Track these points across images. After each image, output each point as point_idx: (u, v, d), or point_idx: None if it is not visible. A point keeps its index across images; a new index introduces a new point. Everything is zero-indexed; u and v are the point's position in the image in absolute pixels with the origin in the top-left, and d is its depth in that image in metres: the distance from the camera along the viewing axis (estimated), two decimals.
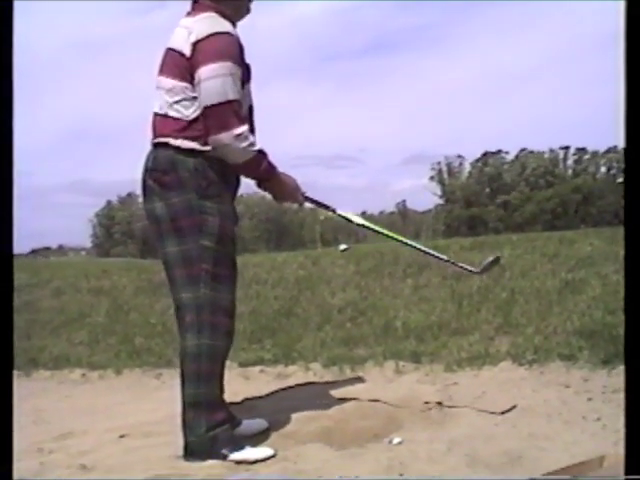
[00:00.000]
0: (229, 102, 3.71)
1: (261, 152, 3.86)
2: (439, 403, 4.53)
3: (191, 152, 3.78)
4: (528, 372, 5.18)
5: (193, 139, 3.78)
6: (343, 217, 4.44)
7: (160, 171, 3.83)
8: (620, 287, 6.65)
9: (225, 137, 3.71)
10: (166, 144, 3.82)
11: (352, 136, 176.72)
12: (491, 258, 4.55)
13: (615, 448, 3.54)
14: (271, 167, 3.96)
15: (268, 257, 11.97)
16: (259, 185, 4.10)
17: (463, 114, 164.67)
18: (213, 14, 3.82)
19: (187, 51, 3.73)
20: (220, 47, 3.72)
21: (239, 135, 3.73)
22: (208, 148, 3.78)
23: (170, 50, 3.87)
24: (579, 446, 3.65)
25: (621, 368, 4.87)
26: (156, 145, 3.90)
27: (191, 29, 3.75)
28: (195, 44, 3.70)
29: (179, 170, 3.77)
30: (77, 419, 5.01)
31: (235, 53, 3.78)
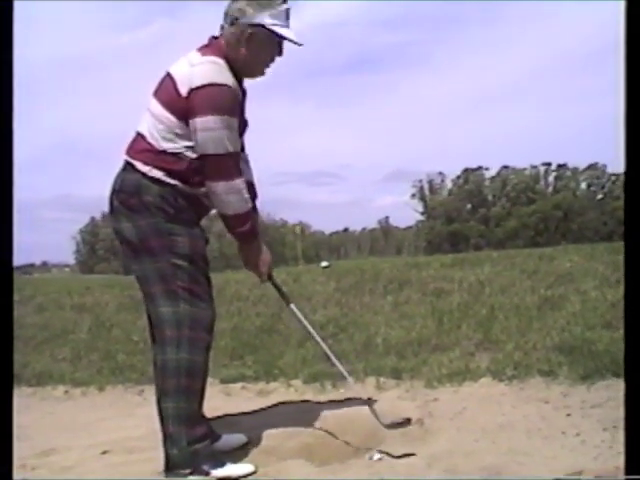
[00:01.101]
0: (229, 154, 3.78)
1: (250, 212, 3.94)
2: (419, 420, 4.55)
3: (157, 180, 3.81)
4: (508, 388, 5.20)
5: (161, 169, 3.81)
6: (293, 311, 4.41)
7: (126, 193, 3.86)
8: (599, 303, 6.70)
9: (223, 186, 3.78)
10: (136, 168, 3.85)
11: (334, 153, 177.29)
12: (400, 420, 4.44)
13: (594, 463, 3.58)
14: (254, 231, 4.02)
15: (250, 274, 11.95)
16: (240, 250, 4.18)
17: (444, 131, 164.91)
18: (220, 61, 3.83)
19: (183, 91, 3.75)
20: (216, 99, 3.74)
21: (236, 187, 3.81)
22: (176, 182, 3.82)
23: (169, 76, 3.89)
24: (558, 461, 3.68)
25: (600, 383, 4.92)
26: (126, 165, 3.93)
27: (193, 70, 3.77)
28: (192, 90, 3.72)
29: (143, 195, 3.80)
30: (60, 435, 5.01)
31: (231, 106, 3.81)
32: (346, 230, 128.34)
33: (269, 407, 5.28)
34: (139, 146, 3.90)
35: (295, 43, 3.95)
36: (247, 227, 3.94)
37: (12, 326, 2.42)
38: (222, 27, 3.98)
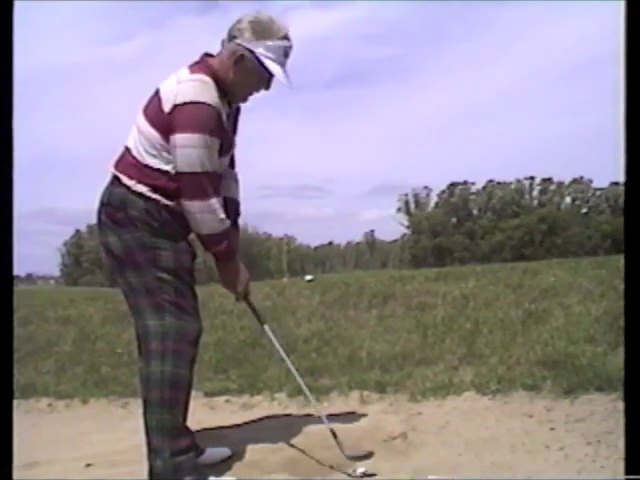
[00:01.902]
0: (206, 173, 3.75)
1: (226, 232, 3.93)
2: (403, 433, 4.55)
3: (142, 195, 3.81)
4: (492, 402, 5.21)
5: (145, 184, 3.81)
6: (266, 332, 4.44)
7: (113, 207, 3.87)
8: (583, 317, 6.74)
9: (197, 206, 3.76)
10: (122, 182, 3.86)
11: (320, 166, 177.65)
12: (363, 453, 4.30)
13: (577, 477, 3.59)
14: (230, 251, 4.03)
15: None
16: (217, 268, 4.17)
17: (430, 144, 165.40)
18: (207, 79, 3.81)
19: (167, 108, 3.74)
20: (196, 118, 3.72)
21: (211, 207, 3.79)
22: (171, 203, 3.83)
23: (157, 93, 3.89)
24: (542, 475, 3.69)
25: (584, 397, 4.94)
26: (113, 179, 3.94)
27: (179, 87, 3.77)
28: (174, 107, 3.71)
29: (129, 209, 3.81)
30: (44, 448, 4.98)
31: (211, 125, 3.77)
32: (331, 244, 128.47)
33: (253, 421, 5.28)
34: (126, 160, 3.91)
35: (284, 84, 3.93)
36: (223, 247, 3.94)
37: (12, 330, 2.41)
38: (222, 43, 3.97)
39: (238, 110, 4.18)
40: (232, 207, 4.15)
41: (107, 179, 3.98)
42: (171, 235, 3.88)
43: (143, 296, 3.85)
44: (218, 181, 3.94)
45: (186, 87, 3.75)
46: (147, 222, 3.80)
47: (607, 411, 4.57)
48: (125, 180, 3.83)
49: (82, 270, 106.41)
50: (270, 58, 3.83)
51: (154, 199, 3.80)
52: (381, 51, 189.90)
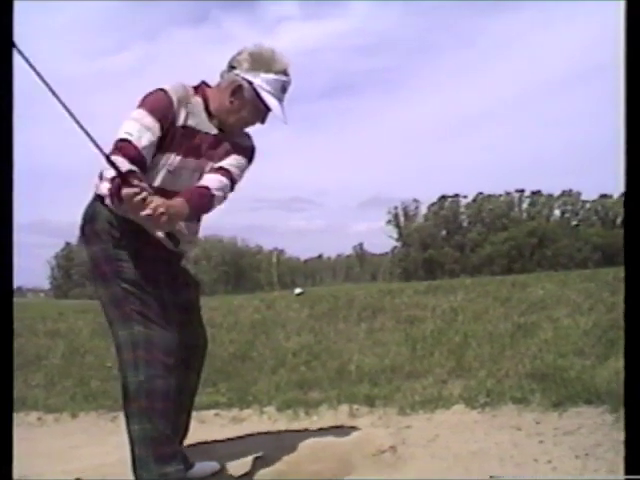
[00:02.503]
0: (126, 140, 3.62)
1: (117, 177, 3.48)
2: (392, 447, 4.56)
3: (105, 205, 3.80)
4: (481, 415, 5.22)
5: (99, 194, 3.82)
6: None
7: (84, 221, 3.90)
8: (571, 331, 6.75)
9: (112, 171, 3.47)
10: (94, 193, 3.89)
11: (309, 179, 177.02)
12: None
13: (578, 477, 3.61)
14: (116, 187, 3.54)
15: (224, 300, 11.97)
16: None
17: (419, 157, 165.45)
18: (189, 87, 3.90)
19: None
20: (145, 98, 3.75)
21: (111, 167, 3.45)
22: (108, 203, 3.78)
23: None
24: None
25: (572, 410, 4.95)
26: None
27: None
28: None
29: (95, 222, 3.82)
30: (33, 462, 4.96)
31: (156, 105, 3.74)
32: (321, 256, 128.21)
33: (243, 435, 5.28)
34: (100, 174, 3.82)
35: (279, 118, 3.93)
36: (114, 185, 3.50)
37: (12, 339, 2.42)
38: (222, 75, 3.98)
39: (238, 146, 4.06)
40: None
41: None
42: (132, 246, 3.82)
43: (112, 307, 3.84)
44: (138, 154, 3.64)
45: None
46: (110, 234, 3.79)
47: (595, 424, 4.58)
48: (93, 189, 3.86)
49: (72, 283, 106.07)
50: (268, 91, 3.84)
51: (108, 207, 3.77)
52: (371, 63, 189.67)
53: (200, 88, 3.96)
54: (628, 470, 2.30)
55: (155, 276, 3.92)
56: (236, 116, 3.95)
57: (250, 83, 3.84)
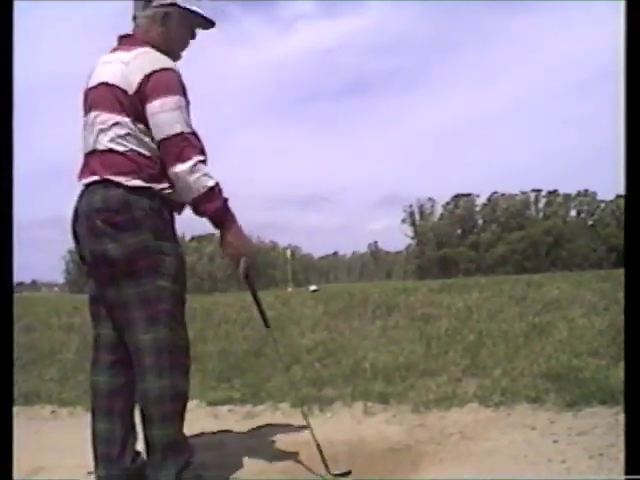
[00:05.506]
0: (182, 134, 3.65)
1: (215, 189, 3.71)
2: (406, 445, 4.55)
3: (146, 192, 3.68)
4: (495, 414, 5.19)
5: (149, 179, 3.70)
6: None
7: (112, 211, 3.66)
8: (586, 331, 6.72)
9: (180, 168, 3.62)
10: (115, 183, 3.69)
11: (326, 177, 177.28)
12: (346, 470, 4.23)
13: (577, 477, 3.59)
14: (228, 209, 3.80)
15: (238, 297, 11.95)
16: (220, 239, 3.93)
17: (436, 156, 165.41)
18: (149, 49, 3.81)
19: (130, 87, 3.69)
20: (168, 82, 3.71)
21: (197, 166, 3.64)
22: (164, 186, 3.73)
23: (105, 85, 3.80)
24: None
25: (587, 411, 4.92)
26: (104, 184, 3.72)
27: (131, 65, 3.73)
28: (142, 80, 3.66)
29: (134, 210, 3.65)
30: (46, 455, 4.97)
31: (181, 88, 3.77)
32: (335, 254, 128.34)
33: (256, 429, 5.28)
34: (109, 161, 3.73)
35: (207, 21, 4.06)
36: (218, 204, 3.73)
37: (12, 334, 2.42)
38: (134, 18, 3.98)
39: None
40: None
41: (78, 190, 3.86)
42: (172, 238, 3.82)
43: (139, 307, 3.70)
44: (200, 141, 3.78)
45: (141, 62, 3.73)
46: (152, 222, 3.69)
47: (610, 424, 4.56)
48: (124, 181, 3.67)
49: (86, 277, 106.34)
50: (190, 2, 3.96)
51: (160, 192, 3.72)
52: (389, 62, 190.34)
53: (140, 39, 3.92)
54: (628, 470, 2.30)
55: (185, 273, 3.92)
56: (173, 43, 4.00)
57: (176, 4, 3.91)
